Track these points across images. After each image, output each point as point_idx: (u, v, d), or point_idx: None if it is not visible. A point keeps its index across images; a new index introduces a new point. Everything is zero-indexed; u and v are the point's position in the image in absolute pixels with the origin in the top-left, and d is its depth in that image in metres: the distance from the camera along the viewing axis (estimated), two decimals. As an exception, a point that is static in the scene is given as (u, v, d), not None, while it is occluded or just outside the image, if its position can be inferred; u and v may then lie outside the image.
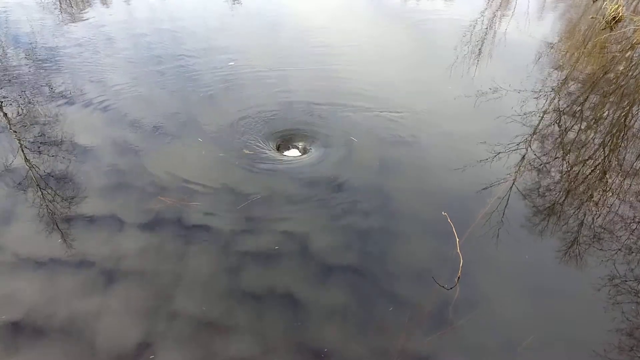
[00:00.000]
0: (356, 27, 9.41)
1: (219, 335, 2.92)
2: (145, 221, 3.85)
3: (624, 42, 8.07)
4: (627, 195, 4.28)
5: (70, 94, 6.40)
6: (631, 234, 3.79)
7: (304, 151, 4.81)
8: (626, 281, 3.37)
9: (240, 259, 3.45)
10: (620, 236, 3.78)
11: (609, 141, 5.26)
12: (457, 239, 3.31)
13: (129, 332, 2.96)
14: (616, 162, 4.86)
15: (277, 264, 3.40)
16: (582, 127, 5.55)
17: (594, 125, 5.63)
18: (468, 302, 3.09)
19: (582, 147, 5.17)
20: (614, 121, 5.74)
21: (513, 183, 4.35)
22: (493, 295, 3.18)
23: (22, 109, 6.00)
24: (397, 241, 3.63)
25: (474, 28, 8.97)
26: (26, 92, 6.46)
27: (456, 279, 3.16)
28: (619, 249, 3.63)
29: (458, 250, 3.24)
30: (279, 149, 4.96)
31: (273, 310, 3.05)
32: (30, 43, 8.05)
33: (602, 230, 3.87)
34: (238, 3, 11.18)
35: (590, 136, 5.38)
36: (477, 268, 3.37)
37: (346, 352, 2.82)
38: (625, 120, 5.73)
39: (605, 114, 5.93)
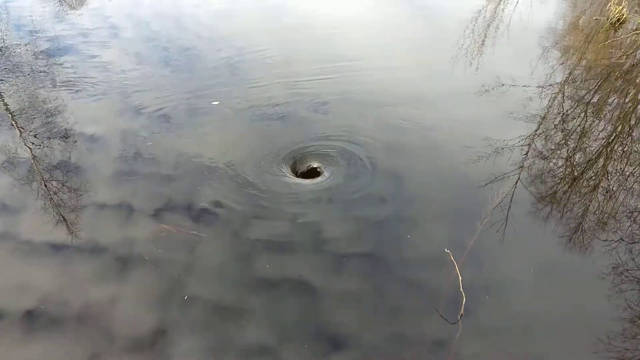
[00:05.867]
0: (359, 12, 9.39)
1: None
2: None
3: (629, 38, 8.11)
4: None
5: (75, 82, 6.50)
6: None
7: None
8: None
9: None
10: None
11: (614, 140, 5.46)
12: (460, 277, 3.48)
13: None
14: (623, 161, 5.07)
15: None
16: (587, 126, 5.72)
17: (599, 124, 5.80)
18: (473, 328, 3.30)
19: (590, 149, 5.38)
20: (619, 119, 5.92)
21: (515, 185, 4.62)
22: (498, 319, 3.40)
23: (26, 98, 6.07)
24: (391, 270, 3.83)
25: (479, 15, 9.09)
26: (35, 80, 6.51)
27: (459, 316, 3.35)
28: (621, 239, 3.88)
29: (461, 289, 3.42)
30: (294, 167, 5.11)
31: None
32: (33, 31, 7.95)
33: (611, 241, 4.10)
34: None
35: (595, 136, 5.59)
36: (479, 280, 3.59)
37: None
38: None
39: (609, 114, 6.08)
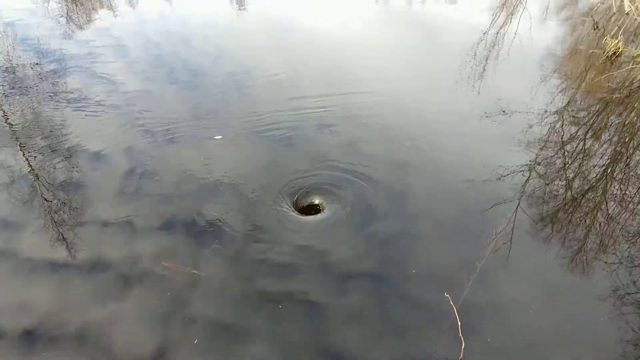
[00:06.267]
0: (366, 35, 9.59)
1: None
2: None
3: (626, 72, 8.32)
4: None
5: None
6: None
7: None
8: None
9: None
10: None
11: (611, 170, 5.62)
12: (459, 323, 3.56)
13: None
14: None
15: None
16: (585, 154, 5.93)
17: (597, 152, 5.99)
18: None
19: (588, 176, 5.53)
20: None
21: (515, 211, 4.76)
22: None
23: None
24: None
25: (481, 40, 9.32)
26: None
27: None
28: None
29: (460, 335, 3.50)
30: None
31: None
32: (40, 51, 8.06)
33: (612, 263, 4.23)
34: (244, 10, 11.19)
35: (593, 163, 5.76)
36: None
37: None
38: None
39: (606, 142, 6.26)
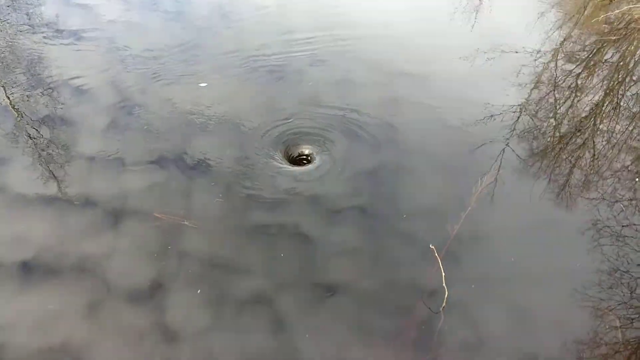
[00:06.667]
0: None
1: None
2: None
3: (624, 8, 8.10)
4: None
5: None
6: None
7: None
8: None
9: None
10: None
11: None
12: (444, 273, 3.68)
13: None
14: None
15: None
16: (576, 95, 5.93)
17: (587, 94, 5.98)
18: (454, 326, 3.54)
19: (577, 117, 5.59)
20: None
21: (502, 151, 4.90)
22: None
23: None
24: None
25: None
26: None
27: (441, 308, 3.59)
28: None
29: (444, 284, 3.63)
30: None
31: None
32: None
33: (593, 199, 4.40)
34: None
35: (583, 104, 5.77)
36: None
37: None
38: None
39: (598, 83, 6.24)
